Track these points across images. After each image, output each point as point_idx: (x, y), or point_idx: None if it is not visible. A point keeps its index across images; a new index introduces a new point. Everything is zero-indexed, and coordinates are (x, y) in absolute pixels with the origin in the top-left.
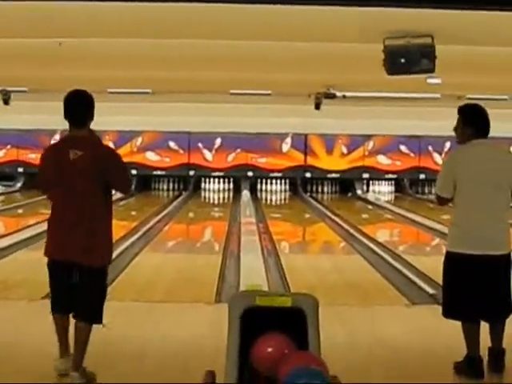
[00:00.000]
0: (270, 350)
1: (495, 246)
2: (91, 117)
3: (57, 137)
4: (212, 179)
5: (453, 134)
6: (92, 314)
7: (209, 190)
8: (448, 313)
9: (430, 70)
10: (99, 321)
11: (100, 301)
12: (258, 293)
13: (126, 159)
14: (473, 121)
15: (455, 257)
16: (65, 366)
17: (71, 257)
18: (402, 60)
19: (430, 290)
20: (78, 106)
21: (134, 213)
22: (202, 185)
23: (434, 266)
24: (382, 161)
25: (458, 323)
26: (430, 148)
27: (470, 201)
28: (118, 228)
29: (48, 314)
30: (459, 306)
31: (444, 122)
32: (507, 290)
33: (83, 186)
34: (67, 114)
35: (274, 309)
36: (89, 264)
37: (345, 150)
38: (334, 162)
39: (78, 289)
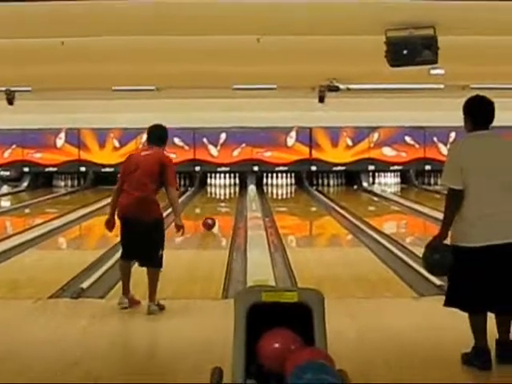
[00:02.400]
0: (276, 345)
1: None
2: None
3: (62, 135)
4: (218, 174)
5: (458, 124)
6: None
7: (215, 185)
8: (452, 303)
9: (433, 61)
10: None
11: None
12: (264, 288)
13: None
14: (470, 111)
15: (463, 250)
16: (122, 300)
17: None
18: (405, 51)
19: (438, 282)
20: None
21: None
22: (208, 180)
23: None
24: (388, 152)
25: (466, 314)
26: (435, 139)
27: (479, 192)
28: None
29: (56, 313)
30: (467, 299)
31: (448, 113)
32: None
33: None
34: None
35: (280, 304)
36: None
37: (350, 143)
38: (339, 155)
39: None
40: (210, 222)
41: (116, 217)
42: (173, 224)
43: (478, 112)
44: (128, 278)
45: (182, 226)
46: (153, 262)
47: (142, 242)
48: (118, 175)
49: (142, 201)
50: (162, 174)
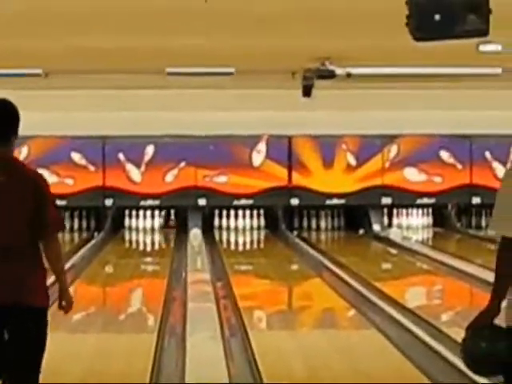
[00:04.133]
0: None
1: None
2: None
3: None
4: (141, 212)
5: None
6: None
7: (136, 228)
8: None
9: (482, 32)
10: None
11: None
12: None
13: None
14: None
15: None
16: None
17: None
18: (437, 16)
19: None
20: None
21: None
22: (126, 221)
23: None
24: (412, 176)
25: None
26: (488, 154)
27: None
28: None
29: None
30: None
31: (509, 113)
32: None
33: None
34: None
35: None
36: None
37: (352, 161)
38: (335, 181)
39: None
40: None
41: None
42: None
43: None
44: None
45: (71, 302)
46: None
47: (11, 350)
48: None
49: (12, 270)
50: (36, 211)
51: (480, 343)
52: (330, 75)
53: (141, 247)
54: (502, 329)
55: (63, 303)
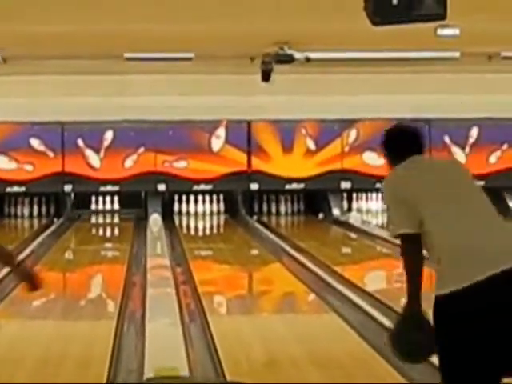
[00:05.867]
0: None
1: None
2: None
3: None
4: (101, 197)
5: (482, 114)
6: None
7: (96, 213)
8: None
9: (440, 16)
10: None
11: None
12: (171, 381)
13: None
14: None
15: (455, 301)
16: None
17: None
18: (395, 1)
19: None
20: None
21: None
22: (92, 206)
23: None
24: (372, 161)
25: None
26: (447, 138)
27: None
28: None
29: None
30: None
31: (468, 97)
32: None
33: None
34: None
35: None
36: None
37: (312, 146)
38: (294, 165)
39: None
40: None
41: None
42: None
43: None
44: None
45: (32, 277)
46: None
47: None
48: None
49: None
50: None
51: (414, 334)
52: (289, 60)
53: (100, 232)
54: (425, 318)
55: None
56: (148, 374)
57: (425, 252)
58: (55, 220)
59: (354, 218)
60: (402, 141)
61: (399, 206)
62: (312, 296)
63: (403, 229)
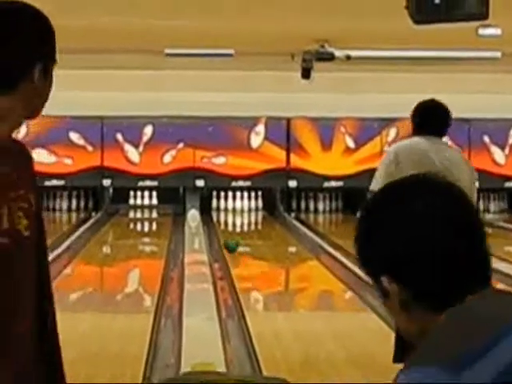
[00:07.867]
0: None
1: None
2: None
3: None
4: (139, 192)
5: None
6: None
7: (134, 208)
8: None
9: (481, 15)
10: None
11: None
12: (208, 378)
13: None
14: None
15: None
16: None
17: None
18: (437, 0)
19: None
20: None
21: None
22: (131, 201)
23: None
24: None
25: None
26: (486, 138)
27: None
28: None
29: None
30: None
31: (508, 97)
32: None
33: None
34: None
35: None
36: None
37: (351, 144)
38: (333, 163)
39: None
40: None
41: None
42: (66, 270)
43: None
44: None
45: None
46: None
47: None
48: None
49: None
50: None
51: None
52: (330, 57)
53: (138, 227)
54: None
55: None
56: (185, 369)
57: None
58: (93, 214)
59: None
60: (432, 119)
61: (388, 168)
62: (349, 294)
63: (378, 186)
